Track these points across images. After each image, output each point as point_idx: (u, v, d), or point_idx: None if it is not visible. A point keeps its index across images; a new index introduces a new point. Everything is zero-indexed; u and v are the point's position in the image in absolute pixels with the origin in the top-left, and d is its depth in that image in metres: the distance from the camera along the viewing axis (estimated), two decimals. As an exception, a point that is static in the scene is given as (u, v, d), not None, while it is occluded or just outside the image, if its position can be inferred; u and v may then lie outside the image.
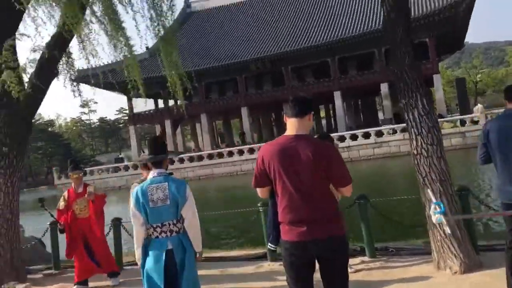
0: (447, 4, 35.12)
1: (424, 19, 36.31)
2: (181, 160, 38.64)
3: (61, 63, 6.71)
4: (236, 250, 8.32)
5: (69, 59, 6.82)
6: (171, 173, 3.96)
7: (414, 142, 5.39)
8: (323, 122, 61.73)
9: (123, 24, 6.92)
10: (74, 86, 7.08)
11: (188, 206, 3.76)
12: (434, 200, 2.89)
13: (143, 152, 53.69)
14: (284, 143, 3.02)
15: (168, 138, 48.33)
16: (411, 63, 5.33)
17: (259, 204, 6.80)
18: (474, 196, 6.36)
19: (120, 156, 59.11)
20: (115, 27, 6.71)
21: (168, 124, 48.43)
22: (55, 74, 6.61)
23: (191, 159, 39.05)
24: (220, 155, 37.20)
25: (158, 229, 3.75)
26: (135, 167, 40.41)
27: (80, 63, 58.92)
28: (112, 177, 40.64)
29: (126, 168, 40.86)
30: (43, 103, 7.16)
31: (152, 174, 3.84)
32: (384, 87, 40.13)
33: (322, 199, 2.94)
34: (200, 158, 38.99)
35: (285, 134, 3.12)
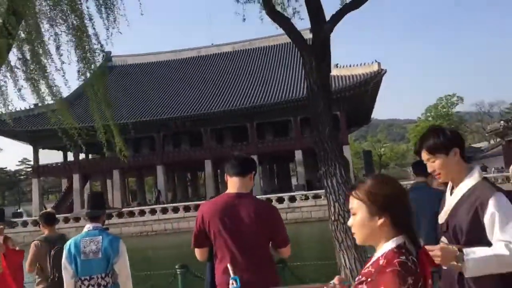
0: (357, 82, 38.12)
1: (336, 93, 38.92)
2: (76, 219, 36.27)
3: None
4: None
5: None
6: (106, 228, 4.03)
7: (332, 209, 5.54)
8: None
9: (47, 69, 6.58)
10: None
11: (121, 262, 3.84)
12: (232, 275, 2.71)
13: (45, 208, 50.08)
14: (226, 202, 2.96)
15: (76, 193, 45.71)
16: (331, 133, 5.60)
17: (176, 267, 6.48)
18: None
19: (18, 210, 54.38)
20: (41, 72, 6.28)
21: (76, 178, 45.96)
22: None
23: (99, 217, 37.02)
24: (131, 214, 35.67)
25: (86, 282, 3.76)
26: (35, 223, 37.31)
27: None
28: (8, 234, 36.96)
29: (25, 224, 37.65)
30: None
31: (88, 227, 3.92)
32: (298, 154, 41.69)
33: (264, 260, 2.89)
34: (109, 216, 37.04)
35: (226, 192, 3.05)
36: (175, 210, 35.00)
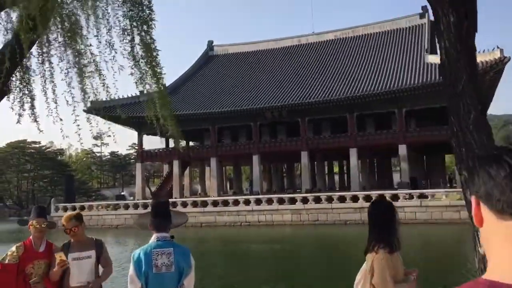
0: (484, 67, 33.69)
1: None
2: (184, 204, 36.88)
3: (14, 78, 5.28)
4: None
5: (24, 75, 5.39)
6: (172, 237, 3.78)
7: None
8: (336, 178, 59.81)
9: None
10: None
11: (191, 276, 3.67)
12: None
13: (150, 189, 52.33)
14: None
15: (175, 179, 46.91)
16: (477, 120, 3.80)
17: None
18: None
19: (122, 193, 57.42)
20: (148, 54, 5.70)
21: (176, 164, 47.12)
22: (4, 91, 5.17)
23: (194, 204, 37.31)
24: (225, 203, 35.46)
25: None
26: (136, 206, 38.79)
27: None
28: (110, 215, 38.91)
29: (126, 206, 39.19)
30: (54, 132, 5.93)
31: (155, 237, 3.70)
32: (402, 149, 38.54)
33: None
34: (204, 204, 37.24)
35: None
36: (269, 201, 34.05)
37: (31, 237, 4.59)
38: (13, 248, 4.52)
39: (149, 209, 4.13)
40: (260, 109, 41.71)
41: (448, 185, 38.19)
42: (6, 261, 4.45)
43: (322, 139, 42.86)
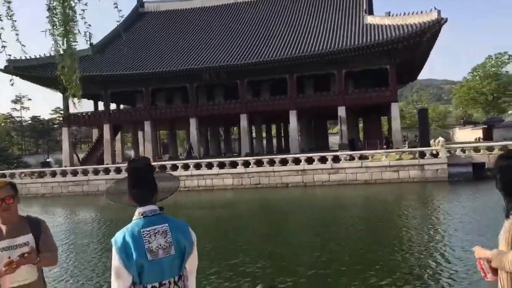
0: (413, 32, 34.18)
1: (388, 45, 35.22)
2: (118, 171, 34.61)
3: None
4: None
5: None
6: (161, 208, 2.74)
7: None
8: (274, 141, 59.56)
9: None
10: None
11: (194, 256, 2.75)
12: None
13: (77, 156, 48.92)
14: None
15: (106, 144, 44.18)
16: None
17: None
18: None
19: (47, 159, 53.46)
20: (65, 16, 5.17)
21: (107, 128, 44.26)
22: None
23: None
24: (162, 168, 33.71)
25: None
26: (64, 173, 35.99)
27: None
28: (36, 183, 35.85)
29: (53, 174, 36.26)
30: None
31: (140, 213, 2.68)
32: (341, 111, 38.52)
33: None
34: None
35: None
36: (209, 166, 32.79)
37: None
38: None
39: (123, 175, 2.83)
40: (197, 70, 39.73)
41: (385, 146, 38.89)
42: None
43: (261, 101, 41.87)
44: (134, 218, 2.69)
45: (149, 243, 2.60)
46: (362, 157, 30.80)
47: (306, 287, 8.53)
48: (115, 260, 2.57)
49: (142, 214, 2.68)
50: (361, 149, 37.22)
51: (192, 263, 2.75)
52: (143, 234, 2.61)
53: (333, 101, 39.29)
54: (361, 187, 28.00)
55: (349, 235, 13.79)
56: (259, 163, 32.16)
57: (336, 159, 30.94)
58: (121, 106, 53.08)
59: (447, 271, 9.06)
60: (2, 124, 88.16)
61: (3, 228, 3.18)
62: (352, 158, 30.88)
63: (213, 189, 31.81)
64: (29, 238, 3.20)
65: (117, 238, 2.61)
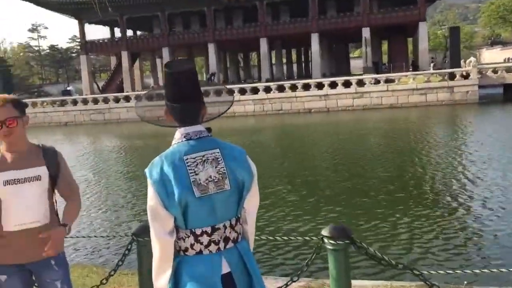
0: None
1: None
2: (127, 99, 34.32)
3: None
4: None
5: None
6: (209, 130, 2.06)
7: None
8: (294, 67, 58.10)
9: None
10: None
11: (255, 192, 2.08)
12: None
13: (97, 85, 48.77)
14: None
15: (125, 71, 43.73)
16: None
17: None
18: None
19: (68, 88, 53.43)
20: None
21: (125, 56, 43.56)
22: None
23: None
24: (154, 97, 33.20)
25: (205, 238, 1.97)
26: (85, 101, 35.95)
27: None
28: (58, 112, 36.00)
29: (74, 102, 36.28)
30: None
31: (182, 135, 1.99)
32: (366, 32, 36.88)
33: None
34: (160, 96, 34.89)
35: None
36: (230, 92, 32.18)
37: None
38: None
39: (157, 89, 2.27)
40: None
41: (411, 69, 37.50)
42: None
43: (281, 24, 40.28)
44: (173, 142, 2.04)
45: (196, 174, 1.97)
46: (388, 80, 29.77)
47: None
48: (151, 198, 1.97)
49: (185, 137, 2.02)
50: (385, 72, 35.98)
51: (252, 202, 2.12)
52: (187, 162, 1.97)
53: (357, 22, 37.50)
54: (387, 111, 27.28)
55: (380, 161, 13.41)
56: (280, 88, 31.43)
57: (360, 83, 29.99)
58: (138, 32, 51.90)
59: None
60: (21, 54, 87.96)
61: (8, 156, 2.57)
62: (377, 81, 29.87)
63: (235, 116, 31.45)
64: (41, 171, 2.58)
65: (153, 168, 1.97)
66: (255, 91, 31.79)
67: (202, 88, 2.13)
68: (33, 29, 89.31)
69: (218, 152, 2.01)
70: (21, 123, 2.54)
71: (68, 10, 41.64)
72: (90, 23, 45.13)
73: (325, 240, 2.96)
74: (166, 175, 1.92)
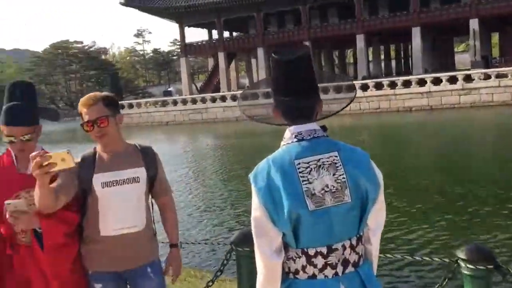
0: None
1: None
2: (234, 98, 35.06)
3: None
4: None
5: None
6: (325, 128, 1.73)
7: None
8: (393, 64, 55.55)
9: None
10: None
11: (381, 205, 1.71)
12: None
13: (195, 86, 50.72)
14: None
15: (222, 72, 44.82)
16: None
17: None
18: None
19: (169, 89, 56.28)
20: None
21: (221, 57, 44.66)
22: None
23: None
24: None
25: (319, 259, 1.64)
26: (184, 102, 37.40)
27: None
28: (160, 112, 37.89)
29: (175, 102, 37.93)
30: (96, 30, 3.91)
31: (296, 134, 1.68)
32: (474, 23, 34.03)
33: None
34: (255, 96, 35.20)
35: None
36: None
37: (10, 150, 2.46)
38: None
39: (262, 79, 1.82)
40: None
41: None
42: None
43: (380, 19, 38.63)
44: (282, 143, 1.73)
45: (309, 183, 1.63)
46: (499, 75, 27.19)
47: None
48: (256, 208, 1.65)
49: (296, 137, 1.70)
50: (496, 67, 32.94)
51: (378, 217, 1.74)
52: (298, 168, 1.64)
53: (465, 13, 34.74)
54: (500, 109, 24.88)
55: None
56: (378, 86, 30.12)
57: (468, 78, 27.74)
58: (234, 34, 53.01)
59: None
60: (127, 58, 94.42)
61: (105, 157, 2.40)
62: (487, 76, 27.41)
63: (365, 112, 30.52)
64: (140, 172, 2.41)
65: (258, 173, 1.66)
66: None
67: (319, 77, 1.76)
68: (138, 34, 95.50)
69: (336, 156, 1.66)
70: (113, 122, 2.35)
71: (170, 15, 43.66)
72: (189, 26, 46.95)
73: (462, 263, 2.43)
74: (273, 183, 1.61)
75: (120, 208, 2.34)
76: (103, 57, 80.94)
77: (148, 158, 2.46)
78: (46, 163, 1.91)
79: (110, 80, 50.75)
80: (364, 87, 30.44)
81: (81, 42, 75.31)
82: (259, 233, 1.65)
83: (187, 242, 4.93)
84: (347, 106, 1.82)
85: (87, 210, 2.38)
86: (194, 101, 36.89)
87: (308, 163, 1.63)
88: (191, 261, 6.35)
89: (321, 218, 1.61)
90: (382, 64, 51.97)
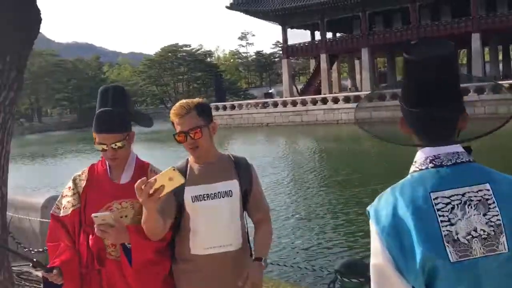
0: None
1: None
2: (335, 101, 34.24)
3: None
4: None
5: None
6: (469, 150, 1.31)
7: None
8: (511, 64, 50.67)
9: None
10: None
11: None
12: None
13: (296, 88, 50.61)
14: None
15: (323, 74, 44.16)
16: None
17: None
18: None
19: (269, 91, 56.86)
20: None
21: (323, 58, 44.00)
22: None
23: (346, 100, 34.34)
24: (381, 98, 31.86)
25: None
26: (284, 104, 37.39)
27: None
28: (260, 113, 38.27)
29: (275, 104, 38.08)
30: (203, 33, 3.94)
31: (431, 158, 1.28)
32: None
33: None
34: (357, 99, 34.10)
35: None
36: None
37: (103, 159, 2.32)
38: (68, 186, 2.30)
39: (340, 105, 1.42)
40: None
41: None
42: (61, 212, 2.26)
43: (499, 16, 35.35)
44: (412, 169, 1.33)
45: (451, 225, 1.23)
46: None
47: None
48: (377, 253, 1.27)
49: (432, 161, 1.29)
50: None
51: None
52: (436, 204, 1.24)
53: None
54: None
55: None
56: (495, 89, 27.46)
57: None
58: (337, 34, 52.06)
59: None
60: (232, 60, 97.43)
61: (196, 168, 2.19)
62: None
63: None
64: (233, 185, 2.17)
65: (380, 207, 1.29)
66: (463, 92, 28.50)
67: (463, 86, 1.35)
68: (242, 37, 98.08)
69: (488, 190, 1.24)
70: (207, 132, 2.15)
71: (273, 17, 44.03)
72: (292, 27, 46.97)
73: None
74: (402, 222, 1.24)
75: (211, 224, 2.13)
76: (208, 59, 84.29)
77: (241, 170, 2.22)
78: (153, 190, 1.78)
79: (214, 82, 52.61)
80: (479, 90, 28.00)
81: (189, 46, 79.27)
82: (382, 284, 1.26)
83: (285, 264, 4.54)
84: (505, 124, 1.34)
85: (179, 226, 2.20)
86: (294, 103, 36.72)
87: (449, 197, 1.24)
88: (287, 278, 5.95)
89: (466, 272, 1.21)
90: (501, 65, 47.67)
